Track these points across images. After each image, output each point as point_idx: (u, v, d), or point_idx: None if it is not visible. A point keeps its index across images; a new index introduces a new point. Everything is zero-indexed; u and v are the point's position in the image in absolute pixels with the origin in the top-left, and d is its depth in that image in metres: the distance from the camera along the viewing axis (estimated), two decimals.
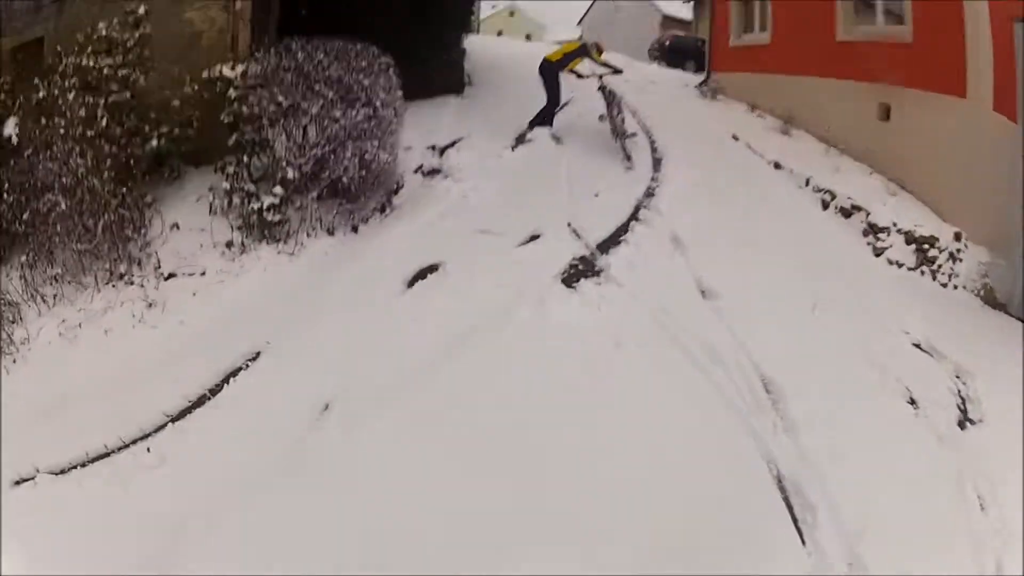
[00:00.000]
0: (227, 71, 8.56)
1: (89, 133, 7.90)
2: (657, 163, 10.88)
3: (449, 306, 6.66)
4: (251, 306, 7.08)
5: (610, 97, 11.47)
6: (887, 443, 5.52)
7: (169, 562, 4.36)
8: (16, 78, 8.86)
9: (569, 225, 8.24)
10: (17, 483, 5.22)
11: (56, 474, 5.27)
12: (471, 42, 14.76)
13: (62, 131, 7.79)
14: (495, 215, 8.51)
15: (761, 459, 5.15)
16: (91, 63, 8.24)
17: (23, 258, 7.52)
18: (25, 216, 7.55)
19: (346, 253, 8.00)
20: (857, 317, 7.33)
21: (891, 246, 9.14)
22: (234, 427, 5.59)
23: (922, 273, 8.81)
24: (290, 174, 8.08)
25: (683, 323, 6.54)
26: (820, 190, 10.53)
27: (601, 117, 11.43)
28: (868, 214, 9.67)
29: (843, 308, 7.41)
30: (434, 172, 9.93)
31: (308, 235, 8.12)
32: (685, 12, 31.51)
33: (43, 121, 7.90)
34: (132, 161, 8.18)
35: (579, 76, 12.00)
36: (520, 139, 11.25)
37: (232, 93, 8.46)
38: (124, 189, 7.74)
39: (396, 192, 9.32)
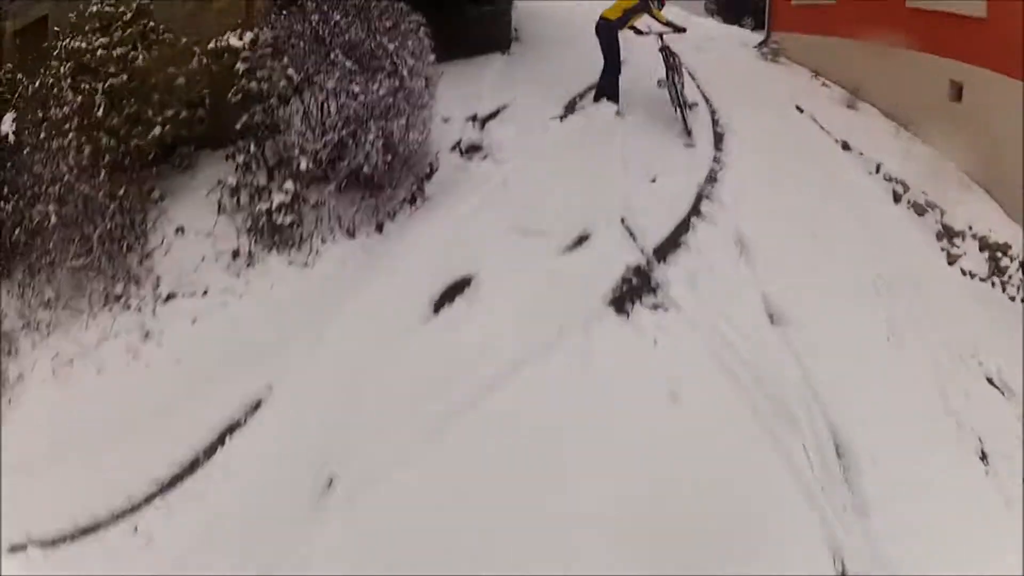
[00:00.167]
0: (233, 40, 7.24)
1: (87, 123, 6.81)
2: (719, 139, 9.40)
3: (477, 341, 5.51)
4: (254, 335, 5.99)
5: (671, 60, 9.82)
6: (958, 515, 4.84)
7: None
8: (18, 65, 7.75)
9: (623, 222, 6.96)
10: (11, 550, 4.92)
11: (45, 545, 4.95)
12: None
13: (58, 124, 6.78)
14: (539, 207, 7.15)
15: (826, 548, 4.42)
16: (84, 44, 7.02)
17: (20, 277, 6.69)
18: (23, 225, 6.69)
19: (367, 262, 6.73)
20: (932, 345, 6.45)
21: (965, 253, 8.23)
22: (227, 504, 4.93)
23: (992, 285, 8.01)
24: (303, 164, 6.76)
25: (750, 363, 5.52)
26: (892, 179, 9.34)
27: (660, 82, 9.75)
28: (943, 213, 8.64)
29: (918, 335, 6.51)
30: (474, 149, 8.44)
31: (324, 239, 6.84)
32: None
33: (40, 114, 6.89)
34: (133, 154, 7.01)
35: (638, 32, 10.05)
36: (570, 107, 9.68)
37: (239, 66, 7.12)
38: (122, 191, 6.65)
39: (429, 177, 7.76)
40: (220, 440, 5.32)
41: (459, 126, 8.80)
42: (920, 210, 8.83)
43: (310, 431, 5.18)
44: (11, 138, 7.00)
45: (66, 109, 6.88)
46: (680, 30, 10.00)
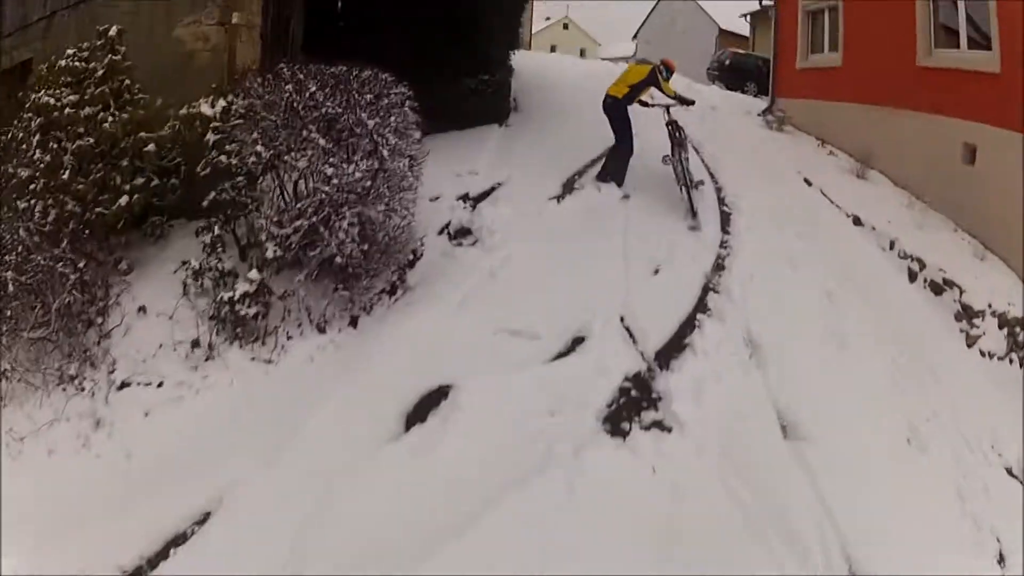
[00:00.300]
0: (205, 107, 6.49)
1: (53, 185, 6.09)
2: (726, 219, 8.73)
3: (451, 468, 4.71)
4: (209, 438, 5.14)
5: (677, 135, 9.10)
6: None
7: None
8: None
9: (622, 321, 6.22)
10: None
11: None
12: (519, 59, 12.08)
13: (23, 185, 6.09)
14: (529, 303, 6.36)
15: None
16: (53, 100, 6.30)
17: None
18: None
19: (337, 361, 5.89)
20: (953, 441, 5.93)
21: (984, 333, 7.57)
22: None
23: (1010, 361, 7.32)
24: (269, 252, 6.00)
25: (761, 490, 4.86)
26: (907, 256, 8.72)
27: (665, 159, 9.03)
28: (962, 292, 7.97)
29: (938, 430, 5.96)
30: (463, 233, 7.63)
31: (290, 336, 5.99)
32: (743, 27, 28.53)
33: (9, 170, 6.22)
34: (99, 222, 6.25)
35: (644, 104, 9.35)
36: (569, 186, 8.92)
37: (210, 137, 6.38)
38: (83, 263, 5.89)
39: (412, 265, 6.95)
40: (164, 552, 4.54)
41: (449, 205, 8.00)
42: (937, 289, 8.19)
43: (259, 558, 4.36)
44: None
45: (31, 169, 6.21)
46: (688, 103, 9.30)
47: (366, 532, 4.40)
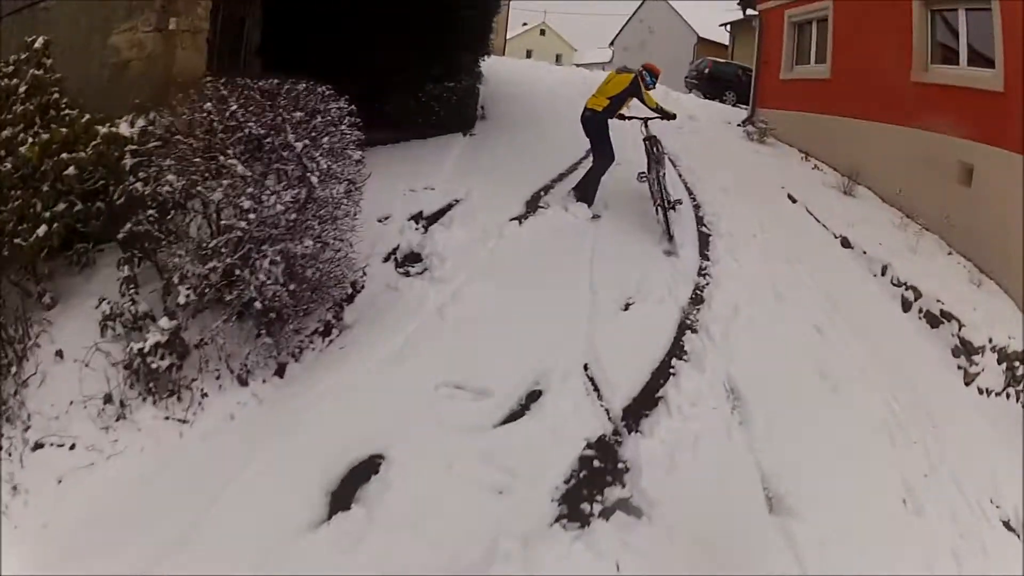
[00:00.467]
0: (124, 126, 5.49)
1: None
2: (705, 241, 7.82)
3: (378, 566, 3.72)
4: (117, 513, 4.19)
5: (655, 151, 8.16)
6: None
7: None
8: None
9: (586, 369, 5.28)
10: None
11: None
12: (489, 66, 11.04)
13: None
14: (480, 347, 5.37)
15: None
16: None
17: None
18: None
19: (259, 419, 4.88)
20: (950, 497, 5.33)
21: (983, 370, 7.03)
22: None
23: (1008, 396, 6.86)
24: (181, 297, 4.99)
25: None
26: (900, 283, 8.01)
27: (640, 176, 8.14)
28: (961, 326, 7.35)
29: (936, 489, 5.33)
30: (412, 259, 6.57)
31: (205, 394, 4.95)
32: (722, 35, 27.78)
33: None
34: (17, 255, 5.30)
35: (622, 118, 8.32)
36: (532, 204, 7.87)
37: (127, 161, 5.40)
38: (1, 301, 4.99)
39: (351, 299, 5.90)
40: None
41: (399, 227, 6.95)
42: (934, 321, 7.55)
43: None
44: None
45: None
46: (670, 117, 8.32)
47: None
